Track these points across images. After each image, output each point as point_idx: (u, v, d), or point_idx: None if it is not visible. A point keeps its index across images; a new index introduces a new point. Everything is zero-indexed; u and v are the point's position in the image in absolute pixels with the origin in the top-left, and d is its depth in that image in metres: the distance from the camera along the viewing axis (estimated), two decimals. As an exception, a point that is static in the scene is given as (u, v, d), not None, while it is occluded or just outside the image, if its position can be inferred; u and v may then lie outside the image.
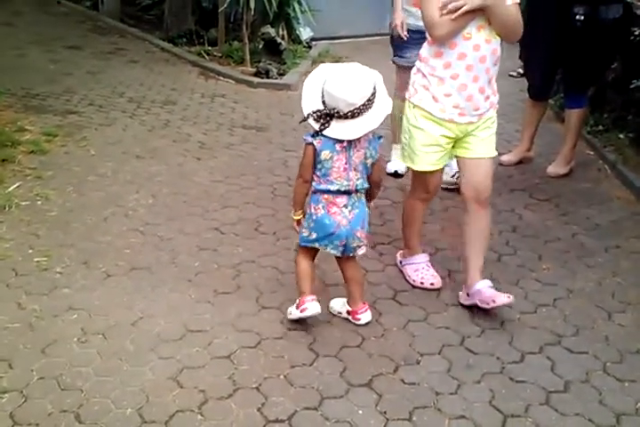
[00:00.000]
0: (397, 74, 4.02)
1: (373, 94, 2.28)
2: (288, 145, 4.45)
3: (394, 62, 4.01)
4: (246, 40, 6.41)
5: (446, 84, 2.51)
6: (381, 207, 3.60)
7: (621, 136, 4.49)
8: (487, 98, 2.59)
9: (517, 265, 3.07)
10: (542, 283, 2.93)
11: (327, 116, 2.26)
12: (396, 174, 4.01)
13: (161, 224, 3.27)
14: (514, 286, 2.88)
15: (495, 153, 2.75)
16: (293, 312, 2.49)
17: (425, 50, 2.58)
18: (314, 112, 2.28)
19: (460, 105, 2.53)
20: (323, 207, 2.38)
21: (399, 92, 3.71)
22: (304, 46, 7.41)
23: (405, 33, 3.79)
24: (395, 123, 3.90)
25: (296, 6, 6.53)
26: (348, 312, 2.56)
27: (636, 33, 4.11)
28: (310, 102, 2.31)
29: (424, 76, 2.57)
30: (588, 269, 3.07)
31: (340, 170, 2.34)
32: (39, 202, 3.39)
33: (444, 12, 2.40)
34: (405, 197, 3.12)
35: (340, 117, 2.25)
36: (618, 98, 4.69)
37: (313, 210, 2.41)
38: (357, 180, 2.37)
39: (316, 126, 2.28)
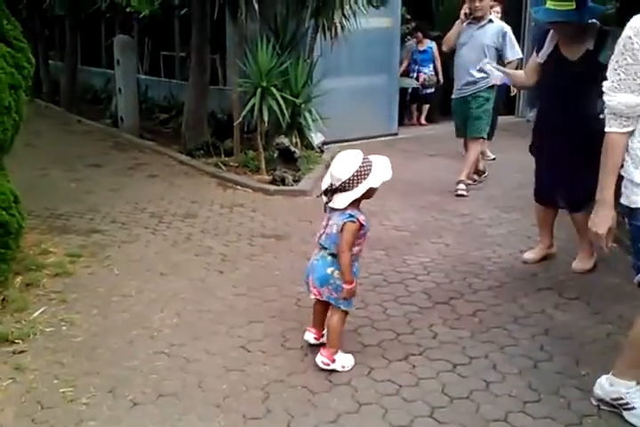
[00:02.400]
0: None
1: (360, 171, 2.78)
2: (309, 252, 4.40)
3: None
4: (261, 149, 6.64)
5: None
6: (409, 314, 3.55)
7: (642, 227, 4.46)
8: None
9: (555, 372, 2.96)
10: (584, 390, 2.80)
11: (331, 191, 2.84)
12: None
13: (186, 344, 3.22)
14: (555, 396, 2.76)
15: None
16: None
17: None
18: (325, 189, 2.88)
19: None
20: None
21: None
22: (316, 151, 7.64)
23: None
24: None
25: (307, 116, 6.79)
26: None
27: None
28: (325, 182, 2.91)
29: None
30: (629, 371, 2.95)
31: (322, 226, 2.97)
32: (64, 327, 3.38)
33: None
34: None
35: (336, 191, 2.82)
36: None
37: None
38: (324, 236, 2.92)
39: (325, 200, 2.89)
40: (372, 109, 8.84)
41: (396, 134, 9.36)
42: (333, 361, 2.93)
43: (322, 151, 7.78)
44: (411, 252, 4.56)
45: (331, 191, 2.84)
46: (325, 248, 2.93)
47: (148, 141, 8.53)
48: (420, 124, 10.43)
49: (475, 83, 6.04)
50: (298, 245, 4.71)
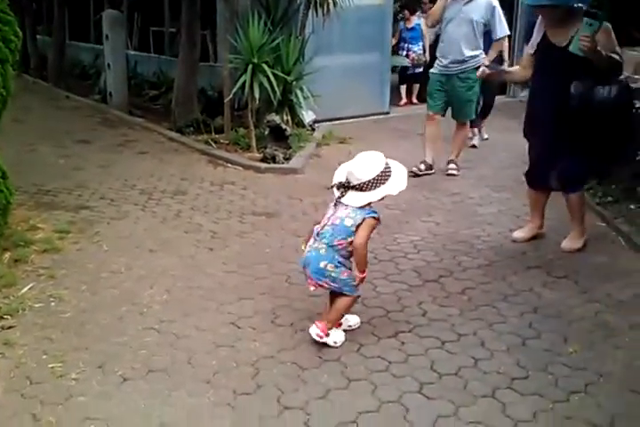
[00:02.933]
0: None
1: (381, 175, 2.82)
2: (299, 230, 4.44)
3: None
4: (252, 127, 6.58)
5: None
6: (399, 292, 3.56)
7: (632, 207, 4.50)
8: None
9: (544, 349, 2.98)
10: (571, 368, 2.83)
11: (344, 187, 2.85)
12: None
13: (176, 321, 3.22)
14: (543, 373, 2.78)
15: None
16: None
17: None
18: (337, 182, 2.89)
19: None
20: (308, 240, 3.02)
21: None
22: (307, 129, 7.59)
23: None
24: None
25: (299, 93, 6.72)
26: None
27: (637, 106, 4.19)
28: (338, 176, 2.93)
29: None
30: (615, 350, 2.98)
31: (325, 218, 2.94)
32: (52, 303, 3.36)
33: None
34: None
35: (352, 188, 2.84)
36: (625, 169, 4.72)
37: None
38: (327, 227, 2.89)
39: (337, 194, 2.89)
40: (363, 88, 8.77)
41: (388, 113, 9.30)
42: (327, 335, 2.94)
43: (313, 129, 7.73)
44: (401, 230, 4.56)
45: (345, 187, 2.86)
46: (322, 239, 2.90)
47: (137, 118, 8.44)
48: (412, 104, 10.35)
49: (463, 62, 5.76)
50: (288, 222, 4.70)
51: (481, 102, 6.82)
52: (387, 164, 2.87)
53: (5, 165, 3.94)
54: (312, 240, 2.97)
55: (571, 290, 3.60)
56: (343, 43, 8.33)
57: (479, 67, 5.38)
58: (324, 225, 2.92)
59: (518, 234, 4.33)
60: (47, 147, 6.84)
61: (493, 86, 6.80)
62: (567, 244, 4.14)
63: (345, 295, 2.95)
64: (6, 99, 3.88)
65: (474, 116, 6.17)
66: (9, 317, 3.19)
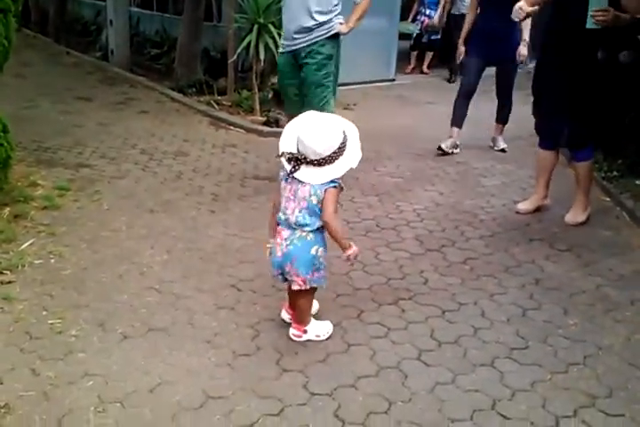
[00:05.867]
0: None
1: (340, 148, 2.46)
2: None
3: None
4: (256, 90, 6.48)
5: None
6: (400, 260, 3.55)
7: (637, 182, 4.47)
8: None
9: (544, 320, 2.98)
10: (571, 340, 2.84)
11: (298, 160, 2.45)
12: None
13: (177, 281, 3.21)
14: (542, 344, 2.79)
15: None
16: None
17: None
18: (288, 153, 2.47)
19: None
20: (276, 236, 2.62)
21: None
22: (312, 94, 7.47)
23: None
24: None
25: (304, 56, 6.58)
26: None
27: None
28: (286, 145, 2.51)
29: None
30: (615, 323, 2.99)
31: (285, 201, 2.54)
32: (52, 260, 3.34)
33: None
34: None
35: (308, 163, 2.45)
36: (632, 144, 4.68)
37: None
38: (298, 213, 2.51)
39: (288, 168, 2.48)
40: (370, 53, 8.63)
41: (394, 80, 9.18)
42: (305, 332, 2.74)
43: (317, 94, 7.61)
44: (404, 199, 4.52)
45: (300, 161, 2.46)
46: (303, 227, 2.54)
47: (138, 76, 8.31)
48: (422, 73, 10.00)
49: (310, 30, 4.20)
50: (290, 187, 4.65)
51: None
52: (344, 132, 2.49)
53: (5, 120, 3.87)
54: (287, 233, 2.57)
55: (573, 263, 3.60)
56: (351, 6, 8.13)
57: (333, 36, 4.25)
58: (293, 211, 2.52)
59: (522, 205, 4.31)
60: (47, 103, 6.74)
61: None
62: (570, 217, 4.12)
63: (308, 291, 2.66)
64: (8, 50, 3.80)
65: (330, 108, 4.30)
66: (8, 272, 3.17)
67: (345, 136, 2.49)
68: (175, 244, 3.62)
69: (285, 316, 2.88)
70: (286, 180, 2.53)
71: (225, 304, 3.01)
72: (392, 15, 8.89)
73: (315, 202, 2.49)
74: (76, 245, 3.53)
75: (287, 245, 2.56)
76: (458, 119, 5.69)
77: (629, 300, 3.20)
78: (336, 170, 2.47)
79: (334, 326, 2.84)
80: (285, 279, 2.66)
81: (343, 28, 4.29)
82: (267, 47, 6.16)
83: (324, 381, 2.49)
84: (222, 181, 4.71)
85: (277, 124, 6.08)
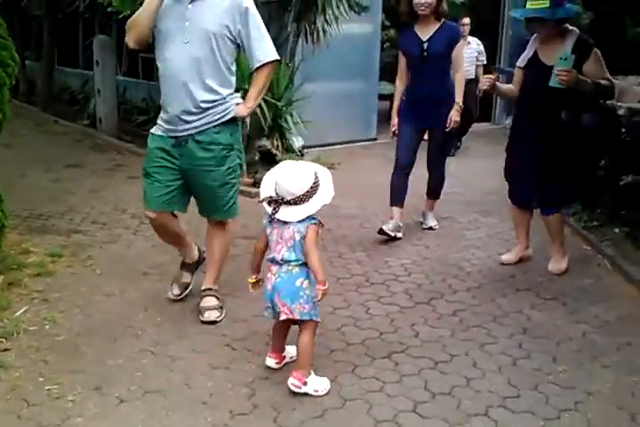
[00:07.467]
0: None
1: (313, 187, 2.73)
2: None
3: None
4: (242, 152, 6.64)
5: None
6: (391, 314, 3.61)
7: (617, 231, 4.60)
8: None
9: (533, 369, 3.04)
10: (561, 386, 2.89)
11: (277, 202, 2.72)
12: None
13: (171, 343, 3.24)
14: (534, 391, 2.84)
15: None
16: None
17: None
18: (268, 197, 2.75)
19: None
20: (266, 272, 2.87)
21: None
22: (297, 155, 7.67)
23: None
24: None
25: (289, 119, 6.84)
26: None
27: (623, 132, 4.32)
28: (267, 190, 2.79)
29: None
30: (603, 369, 3.05)
31: (275, 244, 2.80)
32: (47, 326, 3.37)
33: None
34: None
35: (286, 204, 2.72)
36: (608, 195, 4.85)
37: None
38: (285, 251, 2.77)
39: (269, 210, 2.76)
40: (351, 114, 8.93)
41: (375, 139, 9.45)
42: (305, 384, 2.78)
43: (302, 155, 7.81)
44: (392, 253, 4.63)
45: (277, 203, 2.72)
46: (290, 262, 2.76)
47: (126, 143, 8.50)
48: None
49: (202, 112, 3.26)
50: (279, 246, 4.74)
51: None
52: (315, 173, 2.75)
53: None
54: (274, 269, 2.80)
55: (559, 311, 3.68)
56: (332, 70, 8.49)
57: (231, 120, 3.30)
58: (280, 250, 2.76)
59: (506, 257, 4.42)
60: (37, 171, 6.87)
61: (472, 112, 5.66)
62: (553, 266, 4.23)
63: (306, 327, 2.82)
64: (2, 123, 3.93)
65: (237, 215, 3.60)
66: (4, 340, 3.19)
67: (317, 177, 2.76)
68: (168, 306, 3.67)
69: (270, 362, 3.00)
70: (270, 223, 2.81)
71: (219, 364, 3.05)
72: (371, 77, 9.25)
73: (298, 239, 2.75)
74: (70, 310, 3.57)
75: (275, 279, 2.80)
76: (396, 198, 5.01)
77: (615, 345, 3.27)
78: (311, 207, 2.74)
79: (330, 381, 2.87)
80: (275, 312, 2.84)
81: (242, 110, 3.32)
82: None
83: (321, 437, 2.51)
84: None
85: (264, 184, 6.21)
